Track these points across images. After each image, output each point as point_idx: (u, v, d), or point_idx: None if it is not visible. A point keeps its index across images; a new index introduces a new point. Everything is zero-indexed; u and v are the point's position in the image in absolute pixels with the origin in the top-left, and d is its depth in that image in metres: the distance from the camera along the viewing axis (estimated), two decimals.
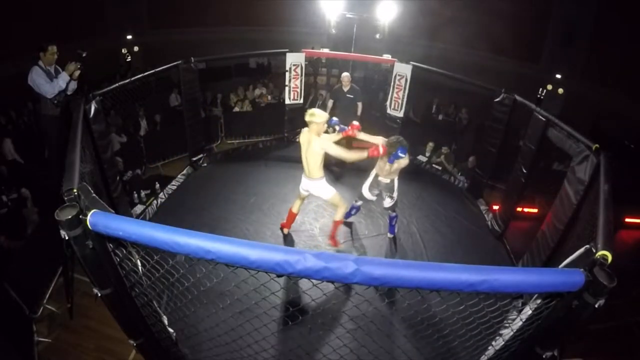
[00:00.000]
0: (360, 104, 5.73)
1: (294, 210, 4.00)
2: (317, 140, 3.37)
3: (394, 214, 4.13)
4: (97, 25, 10.07)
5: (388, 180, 3.90)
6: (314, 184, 3.60)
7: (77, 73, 3.94)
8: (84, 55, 4.00)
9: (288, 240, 4.13)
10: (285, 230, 4.14)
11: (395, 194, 3.97)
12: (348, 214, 4.23)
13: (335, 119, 3.76)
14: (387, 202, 4.00)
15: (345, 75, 5.70)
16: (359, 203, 4.24)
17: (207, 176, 5.38)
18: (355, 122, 3.70)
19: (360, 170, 4.76)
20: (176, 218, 4.37)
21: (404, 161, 3.66)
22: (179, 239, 1.18)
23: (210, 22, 11.27)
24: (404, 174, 5.68)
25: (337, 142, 3.49)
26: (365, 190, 4.04)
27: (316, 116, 3.36)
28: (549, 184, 4.79)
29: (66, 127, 3.11)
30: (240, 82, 9.43)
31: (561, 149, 3.65)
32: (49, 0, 8.48)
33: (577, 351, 3.35)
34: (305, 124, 3.49)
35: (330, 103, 5.78)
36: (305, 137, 3.50)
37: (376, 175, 3.96)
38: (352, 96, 5.65)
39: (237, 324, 2.12)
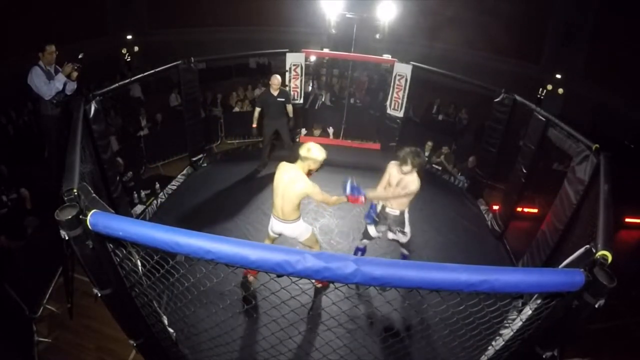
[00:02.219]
0: (290, 106, 5.28)
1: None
2: (303, 181, 2.82)
3: (406, 252, 3.58)
4: (97, 25, 10.07)
5: (397, 212, 3.27)
6: (289, 226, 3.03)
7: (75, 74, 3.94)
8: (80, 56, 4.00)
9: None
10: (251, 278, 3.06)
11: (407, 229, 3.35)
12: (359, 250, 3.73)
13: (354, 184, 3.09)
14: (401, 238, 3.39)
15: (275, 77, 5.18)
16: (365, 242, 3.61)
17: (207, 176, 5.37)
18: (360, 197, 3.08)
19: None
20: (176, 218, 4.37)
21: (413, 185, 3.07)
22: (179, 239, 1.18)
23: (210, 22, 11.27)
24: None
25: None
26: (371, 228, 3.47)
27: (313, 152, 2.81)
28: (549, 184, 4.80)
29: (66, 127, 3.11)
30: (240, 82, 9.44)
31: (561, 149, 3.65)
32: (49, 1, 8.48)
33: (577, 351, 3.35)
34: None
35: (257, 112, 5.14)
36: (286, 172, 2.91)
37: (383, 207, 3.37)
38: (282, 99, 5.14)
39: (237, 324, 2.12)
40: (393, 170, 3.22)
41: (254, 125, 5.24)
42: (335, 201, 3.01)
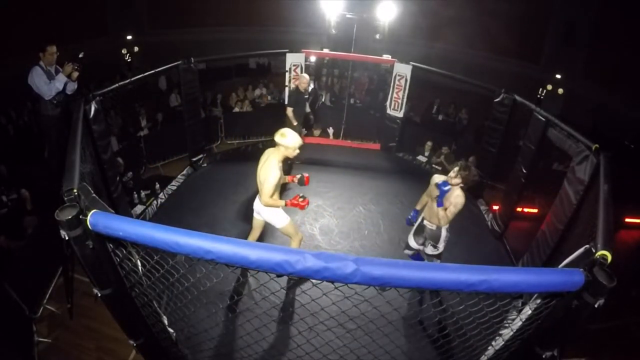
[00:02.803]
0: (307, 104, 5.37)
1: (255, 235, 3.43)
2: (269, 167, 2.88)
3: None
4: (98, 26, 10.07)
5: (434, 227, 3.21)
6: (263, 209, 3.08)
7: (76, 74, 3.94)
8: (80, 56, 4.00)
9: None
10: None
11: (440, 245, 3.26)
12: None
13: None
14: (430, 250, 3.31)
15: (304, 76, 5.18)
16: (407, 252, 3.56)
17: (207, 176, 5.37)
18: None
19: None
20: (176, 218, 4.37)
21: (460, 199, 2.97)
22: (179, 239, 1.19)
23: (210, 22, 11.27)
24: (404, 174, 5.70)
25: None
26: (410, 237, 3.43)
27: (287, 138, 2.87)
28: (549, 184, 4.80)
29: (66, 127, 3.11)
30: (240, 82, 9.45)
31: (561, 149, 3.65)
32: (49, 1, 8.48)
33: (577, 351, 3.35)
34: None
35: (290, 112, 5.09)
36: (265, 155, 3.02)
37: (422, 219, 3.32)
38: (307, 97, 5.25)
39: (237, 324, 2.12)
40: (434, 182, 3.14)
41: (295, 124, 5.19)
42: (270, 202, 2.94)
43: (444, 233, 3.20)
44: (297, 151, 2.97)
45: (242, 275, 3.08)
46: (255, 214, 3.25)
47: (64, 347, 3.36)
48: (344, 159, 5.82)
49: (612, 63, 8.95)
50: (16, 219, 4.49)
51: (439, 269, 1.15)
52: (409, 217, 3.52)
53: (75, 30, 8.62)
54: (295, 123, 5.10)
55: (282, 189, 3.63)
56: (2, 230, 4.19)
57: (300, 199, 3.06)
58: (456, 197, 2.99)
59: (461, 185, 3.03)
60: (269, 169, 2.88)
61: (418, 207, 3.41)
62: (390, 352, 1.99)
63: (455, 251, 4.27)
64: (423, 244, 3.38)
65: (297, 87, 5.12)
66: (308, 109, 5.48)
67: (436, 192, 3.08)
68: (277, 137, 2.89)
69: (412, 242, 3.44)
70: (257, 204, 3.16)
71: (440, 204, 3.01)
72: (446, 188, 2.99)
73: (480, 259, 4.19)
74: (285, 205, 3.01)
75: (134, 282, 1.73)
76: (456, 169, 2.99)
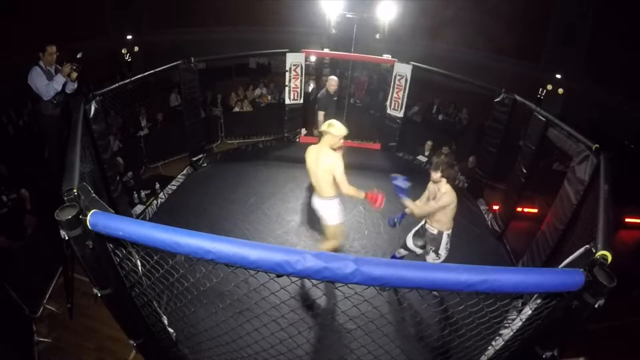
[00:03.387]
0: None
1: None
2: (328, 155, 2.95)
3: None
4: (97, 25, 10.06)
5: (435, 232, 3.13)
6: (323, 203, 3.14)
7: (75, 74, 3.93)
8: (79, 55, 4.00)
9: (288, 240, 4.14)
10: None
11: (442, 252, 3.17)
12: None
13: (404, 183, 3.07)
14: (431, 258, 3.22)
15: (334, 78, 5.21)
16: (403, 254, 3.51)
17: (207, 176, 5.38)
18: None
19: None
20: (176, 218, 4.37)
21: (447, 197, 2.90)
22: (179, 239, 1.19)
23: (210, 22, 11.26)
24: (404, 174, 5.68)
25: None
26: (409, 239, 3.38)
27: (334, 127, 2.98)
28: (549, 184, 4.79)
29: (66, 127, 3.11)
30: (240, 82, 9.45)
31: (561, 149, 3.65)
32: (49, 1, 8.48)
33: (577, 351, 3.35)
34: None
35: (321, 116, 5.11)
36: (313, 153, 3.07)
37: (424, 222, 3.26)
38: (336, 98, 5.26)
39: (237, 324, 2.12)
40: (430, 184, 3.13)
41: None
42: (352, 191, 2.97)
43: (444, 239, 3.12)
44: (342, 141, 3.04)
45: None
46: (317, 212, 3.28)
47: (64, 347, 3.36)
48: (344, 159, 5.80)
49: (612, 63, 8.94)
50: (16, 219, 4.49)
51: (439, 269, 1.15)
52: (395, 217, 3.36)
53: (75, 30, 8.61)
54: (322, 128, 5.17)
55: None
56: (2, 230, 4.19)
57: (380, 199, 3.00)
58: (446, 194, 2.93)
59: (447, 181, 2.95)
60: (329, 160, 2.91)
61: (407, 210, 3.25)
62: (390, 352, 1.99)
63: (455, 251, 4.26)
64: (423, 248, 3.32)
65: (327, 90, 5.15)
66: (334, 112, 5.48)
67: (433, 192, 3.06)
68: (325, 127, 2.99)
69: (410, 244, 3.37)
70: (316, 201, 3.18)
71: (395, 191, 2.99)
72: (439, 187, 2.95)
73: (480, 259, 4.19)
74: (365, 196, 2.99)
75: (134, 282, 1.73)
76: (441, 166, 2.91)
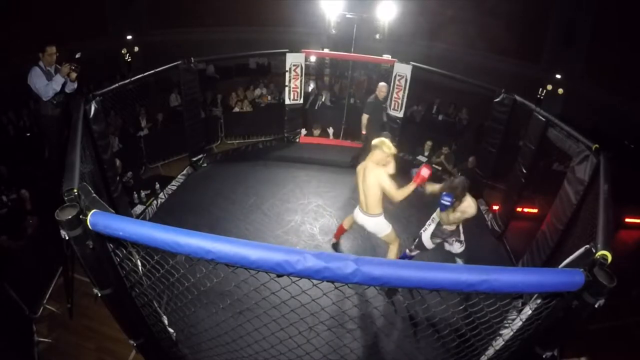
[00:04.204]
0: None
1: (346, 225, 3.79)
2: (374, 170, 3.07)
3: (462, 262, 3.60)
4: (97, 25, 10.06)
5: (453, 228, 3.42)
6: (371, 220, 3.26)
7: (74, 74, 3.93)
8: (77, 56, 3.99)
9: (288, 240, 4.14)
10: (334, 240, 3.99)
11: (462, 237, 3.51)
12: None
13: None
14: (456, 248, 3.52)
15: (384, 85, 5.25)
16: (415, 253, 3.65)
17: (207, 176, 5.38)
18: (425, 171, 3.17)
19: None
20: (176, 218, 4.37)
21: (470, 209, 3.17)
22: (179, 239, 1.19)
23: (210, 22, 11.27)
24: (404, 174, 5.69)
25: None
26: (426, 240, 3.50)
27: (385, 146, 3.09)
28: (549, 184, 4.80)
29: (66, 127, 3.11)
30: (240, 82, 9.45)
31: (561, 149, 3.65)
32: (49, 1, 8.48)
33: (577, 351, 3.35)
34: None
35: (365, 119, 5.19)
36: (363, 168, 3.19)
37: (439, 224, 3.45)
38: (385, 105, 5.26)
39: (237, 324, 2.12)
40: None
41: (364, 132, 5.30)
42: (404, 194, 3.07)
43: (460, 228, 3.48)
44: (390, 160, 3.17)
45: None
46: (353, 220, 3.50)
47: (64, 347, 3.36)
48: (344, 158, 5.81)
49: (612, 63, 8.94)
50: (16, 219, 4.49)
51: (439, 269, 1.15)
52: (446, 200, 3.22)
53: (75, 30, 8.61)
54: (364, 131, 5.24)
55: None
56: (2, 230, 4.19)
57: (421, 171, 3.07)
58: (470, 207, 3.19)
59: (463, 196, 3.18)
60: (377, 177, 3.06)
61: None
62: (391, 352, 1.99)
63: None
64: (444, 242, 3.53)
65: (376, 96, 5.20)
66: (385, 118, 5.51)
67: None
68: (377, 142, 3.13)
69: (429, 244, 3.51)
70: (360, 218, 3.32)
71: (442, 209, 3.16)
72: (444, 200, 3.08)
73: (480, 259, 4.19)
74: (416, 185, 3.09)
75: (134, 282, 1.73)
76: (458, 189, 3.13)
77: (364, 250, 4.10)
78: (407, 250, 3.70)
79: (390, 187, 3.03)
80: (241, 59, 10.07)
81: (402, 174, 3.95)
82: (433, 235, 3.47)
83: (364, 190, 3.18)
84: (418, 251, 3.62)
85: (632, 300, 4.40)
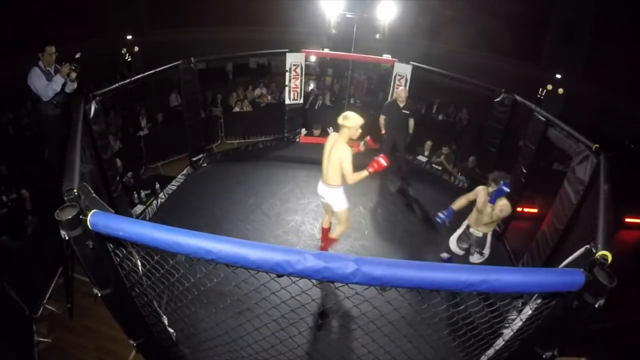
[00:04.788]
0: (412, 120, 5.31)
1: (325, 225, 3.78)
2: (340, 148, 3.09)
3: None
4: (97, 26, 10.06)
5: (480, 234, 3.37)
6: (329, 190, 3.32)
7: (74, 74, 3.93)
8: (77, 56, 4.00)
9: (288, 240, 4.13)
10: (323, 244, 3.86)
11: (486, 251, 3.42)
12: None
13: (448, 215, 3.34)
14: (476, 258, 3.45)
15: (403, 89, 5.25)
16: (445, 256, 3.68)
17: (207, 176, 5.38)
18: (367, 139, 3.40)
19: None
20: (176, 218, 4.37)
21: (508, 208, 3.13)
22: (179, 239, 1.19)
23: (210, 22, 11.27)
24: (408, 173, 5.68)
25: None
26: (452, 242, 3.54)
27: (349, 119, 3.08)
28: (549, 184, 4.80)
29: (66, 127, 3.11)
30: (240, 82, 9.45)
31: (561, 149, 3.65)
32: (49, 1, 8.48)
33: (577, 351, 3.35)
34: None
35: (382, 119, 5.29)
36: (331, 140, 3.23)
37: (467, 227, 3.44)
38: (407, 112, 5.18)
39: (237, 324, 2.12)
40: (481, 194, 3.28)
41: (383, 132, 5.33)
42: (357, 178, 3.12)
43: (489, 238, 3.37)
44: (359, 131, 3.15)
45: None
46: (320, 199, 3.50)
47: (64, 347, 3.36)
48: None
49: (612, 63, 8.94)
50: (16, 219, 4.49)
51: (439, 269, 1.15)
52: (443, 215, 3.40)
53: (75, 29, 8.61)
54: (383, 131, 5.27)
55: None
56: (2, 230, 4.19)
57: (379, 160, 3.13)
58: (507, 206, 3.14)
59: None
60: (341, 152, 3.08)
61: (454, 207, 3.43)
62: (391, 352, 1.99)
63: None
64: (467, 250, 3.50)
65: (395, 99, 5.21)
66: (411, 126, 5.29)
67: (484, 203, 3.22)
68: (340, 120, 3.11)
69: (455, 247, 3.52)
70: (321, 189, 3.37)
71: (492, 201, 3.14)
72: (504, 187, 3.06)
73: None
74: (369, 172, 3.13)
75: (134, 282, 1.73)
76: (500, 179, 3.10)
77: (363, 250, 4.10)
78: (441, 254, 3.72)
79: (348, 168, 3.08)
80: (241, 59, 10.06)
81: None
82: (459, 239, 3.49)
83: (327, 162, 3.23)
84: (448, 255, 3.63)
85: (632, 300, 4.40)
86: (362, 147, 3.41)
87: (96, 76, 8.14)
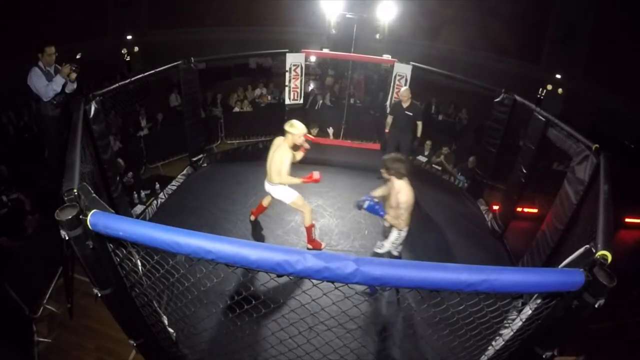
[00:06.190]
0: (420, 124, 5.18)
1: (264, 203, 4.09)
2: (282, 151, 3.40)
3: None
4: (97, 26, 10.07)
5: (387, 225, 3.14)
6: (272, 187, 3.64)
7: (74, 75, 3.93)
8: (78, 56, 4.00)
9: (288, 240, 4.13)
10: (253, 217, 4.23)
11: (387, 244, 3.11)
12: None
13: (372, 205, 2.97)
14: (377, 247, 3.25)
15: (405, 90, 5.15)
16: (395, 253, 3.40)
17: (207, 176, 5.37)
18: (307, 141, 3.55)
19: None
20: (176, 218, 4.37)
21: (401, 196, 2.79)
22: (179, 239, 1.18)
23: (210, 22, 11.27)
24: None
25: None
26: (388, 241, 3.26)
27: (294, 127, 3.40)
28: (549, 184, 4.80)
29: (66, 127, 3.11)
30: (240, 82, 9.45)
31: (561, 149, 3.65)
32: (49, 1, 8.48)
33: (577, 351, 3.35)
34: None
35: (389, 119, 5.29)
36: (276, 143, 3.55)
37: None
38: (411, 114, 5.07)
39: (237, 324, 2.12)
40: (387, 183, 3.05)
41: (387, 131, 5.40)
42: (290, 180, 3.45)
43: (394, 234, 3.03)
44: (303, 138, 3.45)
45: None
46: (267, 194, 3.80)
47: (64, 347, 3.36)
48: (344, 159, 5.81)
49: (612, 63, 8.94)
50: (16, 219, 4.49)
51: (439, 269, 1.15)
52: (364, 200, 3.01)
53: (75, 30, 8.61)
54: (386, 130, 5.33)
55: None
56: (2, 230, 4.19)
57: (313, 174, 3.47)
58: (401, 193, 2.80)
59: (397, 177, 2.85)
60: (282, 153, 3.40)
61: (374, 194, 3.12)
62: (391, 352, 1.99)
63: (455, 251, 4.27)
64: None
65: (399, 100, 5.20)
66: (419, 129, 5.18)
67: (387, 190, 2.97)
68: (287, 127, 3.42)
69: (390, 246, 3.17)
70: (266, 186, 3.68)
71: (381, 214, 2.90)
72: (394, 185, 2.80)
73: (480, 259, 4.19)
74: (302, 181, 3.47)
75: (134, 282, 1.73)
76: (387, 163, 2.84)
77: (363, 250, 4.10)
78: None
79: (284, 169, 3.39)
80: (241, 59, 10.06)
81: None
82: (383, 231, 3.27)
83: (269, 162, 3.49)
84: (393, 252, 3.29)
85: (632, 300, 4.41)
86: (305, 145, 3.60)
87: (96, 76, 8.15)
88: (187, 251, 1.19)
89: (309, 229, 3.83)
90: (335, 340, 1.97)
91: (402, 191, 2.81)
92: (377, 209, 2.93)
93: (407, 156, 5.38)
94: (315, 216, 4.51)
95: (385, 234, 3.19)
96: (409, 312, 3.26)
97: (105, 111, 3.87)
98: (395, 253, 3.17)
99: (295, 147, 3.51)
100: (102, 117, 3.68)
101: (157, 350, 2.11)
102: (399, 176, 2.86)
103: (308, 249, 3.89)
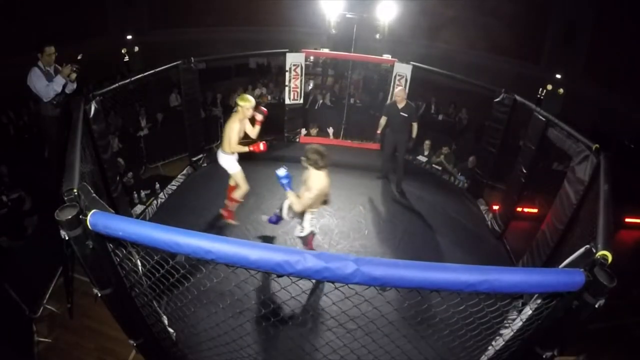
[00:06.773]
0: (415, 125, 5.09)
1: (231, 182, 4.25)
2: (232, 121, 3.78)
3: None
4: (97, 25, 10.07)
5: (287, 203, 3.32)
6: (222, 155, 3.93)
7: (74, 75, 3.93)
8: (79, 57, 4.00)
9: (288, 240, 4.13)
10: (227, 202, 4.29)
11: (306, 225, 3.23)
12: (271, 220, 3.83)
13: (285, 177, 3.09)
14: (297, 231, 3.33)
15: (400, 90, 5.11)
16: (265, 218, 3.90)
17: (207, 176, 5.37)
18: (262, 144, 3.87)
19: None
20: (176, 218, 4.37)
21: (312, 182, 2.99)
22: (179, 239, 1.18)
23: (210, 22, 11.27)
24: (406, 174, 5.69)
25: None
26: (285, 209, 3.50)
27: (242, 100, 3.79)
28: (549, 184, 4.80)
29: (66, 127, 3.11)
30: (240, 82, 9.44)
31: (561, 149, 3.65)
32: (50, 1, 8.47)
33: (577, 351, 3.35)
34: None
35: (383, 120, 5.21)
36: (235, 116, 3.88)
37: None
38: (406, 115, 4.99)
39: (237, 324, 2.12)
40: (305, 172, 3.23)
41: (378, 132, 5.39)
42: (237, 148, 3.82)
43: (308, 215, 3.21)
44: (250, 110, 3.83)
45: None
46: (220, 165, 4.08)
47: (64, 347, 3.36)
48: (344, 159, 5.81)
49: (612, 63, 8.94)
50: (16, 219, 4.49)
51: (439, 269, 1.15)
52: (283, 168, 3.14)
53: (75, 30, 8.61)
54: (378, 131, 5.35)
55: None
56: (2, 230, 4.18)
57: (259, 144, 3.85)
58: (312, 179, 3.07)
59: (315, 167, 3.06)
60: (231, 124, 3.80)
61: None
62: (390, 352, 1.99)
63: (455, 251, 4.27)
64: (292, 219, 3.49)
65: (394, 101, 5.14)
66: (414, 130, 5.10)
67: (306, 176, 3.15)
68: (238, 100, 3.83)
69: (285, 212, 3.52)
70: (219, 155, 3.99)
71: (286, 189, 3.06)
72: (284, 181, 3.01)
73: (480, 259, 4.19)
74: (248, 149, 3.85)
75: (134, 282, 1.73)
76: (308, 153, 3.07)
77: (363, 250, 4.10)
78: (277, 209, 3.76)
79: (233, 138, 3.77)
80: (241, 59, 10.06)
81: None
82: (290, 207, 3.32)
83: (223, 133, 3.88)
84: (276, 217, 3.77)
85: (632, 300, 4.40)
86: (258, 117, 4.04)
87: (96, 76, 8.14)
88: (187, 251, 1.19)
89: (232, 200, 4.16)
90: (336, 340, 1.97)
91: (312, 177, 3.09)
92: (285, 182, 3.06)
93: (403, 158, 5.35)
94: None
95: (299, 217, 3.28)
96: (409, 312, 3.26)
97: (105, 111, 3.87)
98: (316, 230, 3.56)
99: (251, 121, 3.97)
100: (102, 117, 3.68)
101: (157, 350, 2.11)
102: (317, 167, 3.07)
103: (221, 214, 4.29)
